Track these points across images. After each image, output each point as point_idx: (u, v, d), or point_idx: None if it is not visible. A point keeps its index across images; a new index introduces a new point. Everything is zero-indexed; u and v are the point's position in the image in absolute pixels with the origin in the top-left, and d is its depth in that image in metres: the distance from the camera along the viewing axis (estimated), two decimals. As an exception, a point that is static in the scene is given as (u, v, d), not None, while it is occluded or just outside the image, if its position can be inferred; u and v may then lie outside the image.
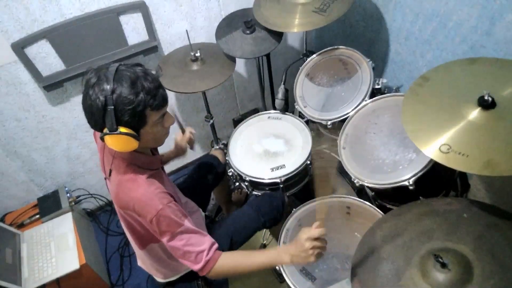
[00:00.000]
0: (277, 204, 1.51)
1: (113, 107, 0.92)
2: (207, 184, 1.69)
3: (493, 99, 0.98)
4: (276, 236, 1.43)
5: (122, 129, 0.96)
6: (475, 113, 1.00)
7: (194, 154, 1.76)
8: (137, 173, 1.06)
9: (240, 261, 1.12)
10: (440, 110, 1.07)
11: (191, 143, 1.52)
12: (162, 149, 1.34)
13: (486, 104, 0.98)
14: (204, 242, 1.08)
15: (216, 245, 1.11)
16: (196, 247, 1.07)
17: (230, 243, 1.41)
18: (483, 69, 1.13)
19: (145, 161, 1.11)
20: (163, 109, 1.03)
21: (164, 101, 1.01)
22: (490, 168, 0.90)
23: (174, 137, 1.54)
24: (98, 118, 0.95)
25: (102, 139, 0.98)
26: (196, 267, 1.07)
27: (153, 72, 1.01)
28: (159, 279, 1.39)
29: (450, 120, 1.02)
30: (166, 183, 1.19)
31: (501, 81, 1.06)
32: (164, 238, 1.05)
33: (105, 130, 0.96)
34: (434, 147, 0.99)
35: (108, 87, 0.92)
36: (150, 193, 1.03)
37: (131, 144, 0.99)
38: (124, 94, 0.93)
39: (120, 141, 0.97)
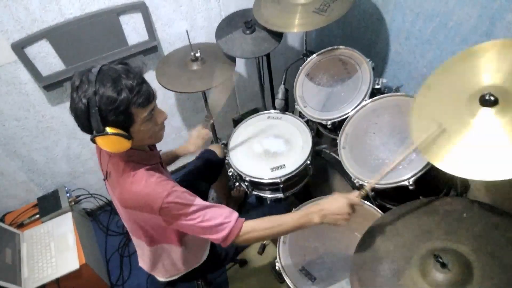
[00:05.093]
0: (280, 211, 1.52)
1: (97, 108, 0.91)
2: (206, 179, 1.69)
3: (495, 97, 0.97)
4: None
5: (110, 130, 0.94)
6: (480, 114, 0.98)
7: (194, 153, 1.77)
8: (135, 168, 1.06)
9: (267, 226, 1.09)
10: (447, 119, 1.05)
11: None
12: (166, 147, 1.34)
13: (490, 103, 0.97)
14: (222, 213, 1.07)
15: (236, 214, 1.09)
16: (214, 220, 1.05)
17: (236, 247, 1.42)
18: (482, 59, 1.08)
19: (143, 157, 1.11)
20: (150, 106, 0.99)
21: (149, 97, 0.98)
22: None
23: (190, 133, 1.55)
24: (84, 120, 0.94)
25: (93, 141, 0.97)
26: (219, 237, 1.05)
27: (136, 69, 0.98)
28: (161, 278, 1.39)
29: (459, 126, 1.00)
30: (167, 178, 1.19)
31: (498, 67, 1.02)
32: (178, 222, 1.03)
33: (94, 132, 0.95)
34: (450, 161, 0.98)
35: (90, 89, 0.91)
36: (152, 184, 1.02)
37: (122, 144, 0.98)
38: (106, 94, 0.91)
39: (111, 141, 0.96)
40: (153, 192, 1.01)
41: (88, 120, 0.93)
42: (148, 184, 1.03)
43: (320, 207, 1.09)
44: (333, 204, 1.08)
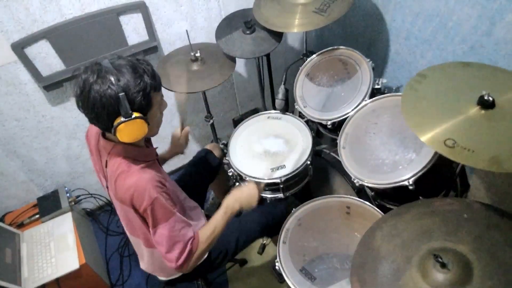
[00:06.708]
0: (280, 216, 1.54)
1: (123, 93, 0.94)
2: (203, 179, 1.69)
3: (493, 99, 0.98)
4: (276, 236, 1.43)
5: (136, 114, 0.98)
6: (475, 111, 1.00)
7: (192, 153, 1.77)
8: (131, 164, 1.07)
9: (210, 237, 1.17)
10: (441, 106, 1.07)
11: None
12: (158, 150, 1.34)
13: (487, 104, 0.98)
14: (188, 233, 1.12)
15: (195, 239, 1.13)
16: (185, 237, 1.10)
17: (235, 246, 1.44)
18: (479, 73, 1.13)
19: (140, 153, 1.12)
20: (161, 90, 1.07)
21: (161, 81, 1.06)
22: (496, 164, 0.90)
23: (172, 134, 1.55)
24: (112, 108, 0.96)
25: (114, 131, 0.98)
26: (179, 262, 1.09)
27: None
28: (162, 277, 1.39)
29: (452, 115, 1.03)
30: (164, 175, 1.19)
31: (497, 85, 1.06)
32: (156, 227, 1.06)
33: (118, 120, 0.97)
34: (439, 141, 0.99)
35: (112, 77, 0.94)
36: (144, 181, 1.03)
37: (143, 129, 1.01)
38: (130, 80, 0.95)
39: (135, 127, 0.99)
40: (144, 191, 1.02)
41: (117, 107, 0.95)
42: (139, 181, 1.04)
43: (236, 200, 1.24)
44: (247, 195, 1.25)
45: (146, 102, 1.00)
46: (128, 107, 0.96)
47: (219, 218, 1.20)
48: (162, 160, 1.54)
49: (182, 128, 1.54)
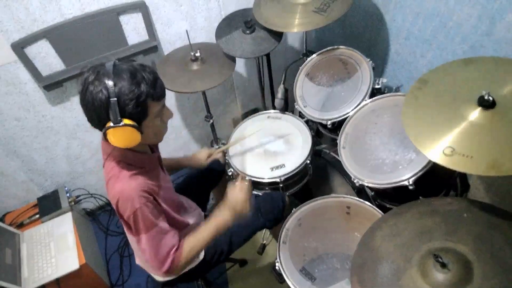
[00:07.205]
0: (277, 204, 1.51)
1: (116, 99, 0.93)
2: (207, 184, 1.69)
3: (493, 98, 0.98)
4: (276, 236, 1.43)
5: (126, 121, 0.96)
6: (475, 113, 1.00)
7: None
8: (122, 170, 1.06)
9: (195, 247, 1.14)
10: (441, 112, 1.07)
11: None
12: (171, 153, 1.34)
13: (487, 104, 0.98)
14: (171, 243, 1.10)
15: (176, 246, 1.11)
16: (167, 248, 1.09)
17: (230, 244, 1.41)
18: (480, 69, 1.12)
19: (138, 158, 1.11)
20: (162, 100, 1.05)
21: (164, 91, 1.05)
22: (495, 168, 0.89)
23: (199, 151, 1.61)
24: (102, 112, 0.95)
25: (104, 135, 0.98)
26: (162, 270, 1.08)
27: (149, 65, 1.03)
28: (158, 278, 1.39)
29: (452, 121, 1.02)
30: (162, 181, 1.19)
31: (498, 80, 1.05)
32: (137, 236, 1.06)
33: (108, 125, 0.96)
34: (438, 151, 0.99)
35: (108, 81, 0.93)
36: (130, 190, 1.03)
37: (134, 137, 0.99)
38: (126, 86, 0.94)
39: (125, 134, 0.97)
40: (127, 199, 1.02)
41: (106, 111, 0.94)
42: (124, 189, 1.03)
43: (226, 209, 1.20)
44: (232, 202, 1.20)
45: (139, 111, 0.97)
46: (118, 114, 0.94)
47: (208, 229, 1.17)
48: (176, 165, 1.56)
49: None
